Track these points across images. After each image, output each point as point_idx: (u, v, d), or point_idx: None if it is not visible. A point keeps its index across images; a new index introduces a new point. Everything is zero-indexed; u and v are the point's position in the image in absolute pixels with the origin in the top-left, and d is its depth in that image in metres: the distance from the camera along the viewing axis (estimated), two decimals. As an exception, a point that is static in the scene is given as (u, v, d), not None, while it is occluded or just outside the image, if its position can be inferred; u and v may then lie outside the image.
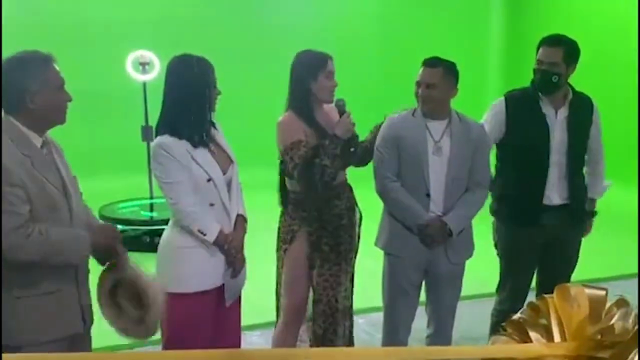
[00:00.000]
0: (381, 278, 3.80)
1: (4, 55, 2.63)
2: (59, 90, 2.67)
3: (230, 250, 3.16)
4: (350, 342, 3.84)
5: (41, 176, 2.59)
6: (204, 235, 3.08)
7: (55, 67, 2.67)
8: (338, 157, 3.42)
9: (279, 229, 3.69)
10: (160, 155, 3.05)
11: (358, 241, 3.79)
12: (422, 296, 3.81)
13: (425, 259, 3.63)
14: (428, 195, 3.54)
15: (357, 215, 3.77)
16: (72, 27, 9.30)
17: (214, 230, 3.09)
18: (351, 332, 3.85)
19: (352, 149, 3.54)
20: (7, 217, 2.48)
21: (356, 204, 3.76)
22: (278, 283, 3.75)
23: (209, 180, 3.08)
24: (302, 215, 3.56)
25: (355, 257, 3.79)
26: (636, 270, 5.84)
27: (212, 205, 3.12)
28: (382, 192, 3.64)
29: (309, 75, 3.49)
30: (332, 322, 3.65)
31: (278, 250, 3.70)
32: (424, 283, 3.77)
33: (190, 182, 3.06)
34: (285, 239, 3.62)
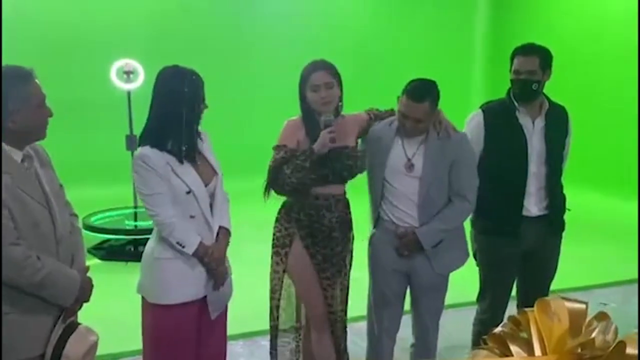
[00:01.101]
0: (367, 288, 3.81)
1: None
2: (39, 107, 2.63)
3: (211, 262, 3.15)
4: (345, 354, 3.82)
5: (22, 193, 2.57)
6: (183, 247, 3.07)
7: (36, 84, 2.62)
8: (306, 169, 3.41)
9: (274, 234, 3.66)
10: (140, 167, 3.04)
11: (351, 257, 3.79)
12: (407, 305, 3.82)
13: (406, 268, 3.64)
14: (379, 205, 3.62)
15: (352, 231, 3.76)
16: (56, 36, 9.28)
17: (193, 242, 3.08)
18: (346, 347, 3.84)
19: (329, 166, 3.48)
20: (5, 232, 2.48)
21: (351, 220, 3.74)
22: (276, 288, 3.68)
23: (188, 192, 3.07)
24: (294, 218, 3.57)
25: (349, 272, 3.79)
26: (618, 278, 5.91)
27: (192, 217, 3.11)
28: None
29: (302, 86, 3.52)
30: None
31: (276, 255, 3.64)
32: (408, 292, 3.78)
33: (169, 194, 3.05)
34: (284, 243, 3.59)
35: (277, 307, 3.71)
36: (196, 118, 3.12)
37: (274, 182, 3.49)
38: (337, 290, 3.63)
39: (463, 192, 3.59)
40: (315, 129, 3.45)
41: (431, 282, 3.67)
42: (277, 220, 3.67)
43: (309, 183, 3.46)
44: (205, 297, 3.21)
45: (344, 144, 3.53)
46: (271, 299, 3.70)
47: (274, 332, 3.75)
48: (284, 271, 3.63)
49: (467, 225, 4.01)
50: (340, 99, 3.57)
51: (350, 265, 3.80)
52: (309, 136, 3.49)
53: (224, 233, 3.26)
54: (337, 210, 3.61)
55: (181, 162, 3.07)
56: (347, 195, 3.72)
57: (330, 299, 3.60)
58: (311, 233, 3.56)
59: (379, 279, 3.71)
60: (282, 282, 3.66)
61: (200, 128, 3.21)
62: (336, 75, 3.52)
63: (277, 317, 3.73)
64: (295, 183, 3.43)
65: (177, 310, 3.12)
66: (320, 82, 3.46)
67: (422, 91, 3.42)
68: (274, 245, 3.65)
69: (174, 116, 3.05)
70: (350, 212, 3.73)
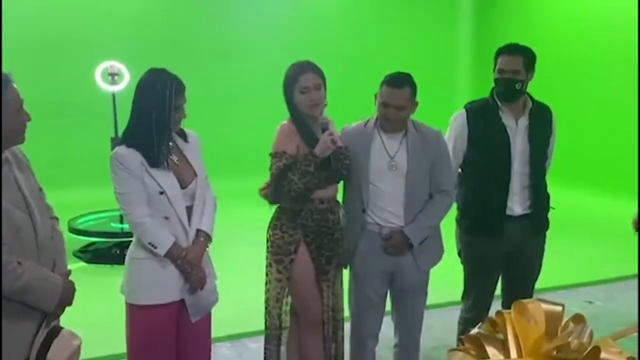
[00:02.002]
0: (347, 288, 3.82)
1: None
2: (17, 112, 2.60)
3: (183, 265, 3.13)
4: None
5: (1, 198, 2.55)
6: (155, 247, 3.06)
7: (14, 88, 2.59)
8: (311, 174, 3.39)
9: (273, 242, 3.58)
10: (115, 166, 3.05)
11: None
12: (389, 305, 3.82)
13: (392, 268, 3.64)
14: (364, 210, 3.58)
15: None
16: (41, 38, 9.24)
17: (166, 243, 3.07)
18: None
19: (333, 167, 3.47)
20: None
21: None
22: (279, 296, 3.62)
23: (161, 193, 3.06)
24: (301, 224, 3.52)
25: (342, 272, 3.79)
26: (603, 277, 5.94)
27: (167, 218, 3.10)
28: None
29: (289, 89, 3.49)
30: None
31: (278, 262, 3.55)
32: (389, 292, 3.78)
33: (144, 194, 3.05)
34: (288, 250, 3.52)
35: (280, 315, 3.65)
36: (169, 124, 3.09)
37: (279, 189, 3.44)
38: (336, 289, 3.65)
39: (444, 187, 3.63)
40: (310, 132, 3.44)
41: (415, 281, 3.68)
42: (275, 227, 3.59)
43: (313, 187, 3.45)
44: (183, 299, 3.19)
45: (338, 144, 3.53)
46: (273, 307, 3.62)
47: (276, 340, 3.69)
48: (288, 279, 3.56)
49: (452, 224, 4.03)
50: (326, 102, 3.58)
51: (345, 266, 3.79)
52: (304, 139, 3.47)
53: (202, 236, 3.23)
54: (337, 211, 3.62)
55: (152, 165, 3.06)
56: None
57: (326, 299, 3.60)
58: (318, 237, 3.53)
59: (363, 281, 3.70)
60: (286, 290, 3.61)
61: (186, 128, 3.22)
62: (323, 77, 3.50)
63: (280, 325, 3.67)
64: (302, 189, 3.40)
65: (153, 311, 3.11)
66: (310, 84, 3.43)
67: (402, 78, 3.48)
68: (275, 253, 3.56)
69: (147, 118, 3.05)
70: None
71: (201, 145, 3.36)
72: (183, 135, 3.27)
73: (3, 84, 2.56)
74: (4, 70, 2.60)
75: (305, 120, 3.48)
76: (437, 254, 3.75)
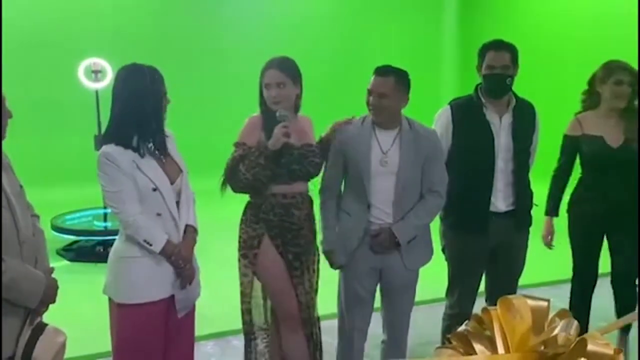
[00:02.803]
0: (337, 286, 3.82)
1: None
2: None
3: (178, 261, 3.13)
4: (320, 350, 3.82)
5: None
6: (150, 245, 3.06)
7: None
8: (260, 165, 3.39)
9: (240, 236, 3.62)
10: (105, 165, 3.04)
11: (318, 253, 3.78)
12: (377, 302, 3.83)
13: (380, 265, 3.65)
14: (369, 206, 3.58)
15: (315, 227, 3.76)
16: (23, 35, 9.17)
17: (160, 239, 3.08)
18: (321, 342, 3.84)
19: (283, 160, 3.46)
20: None
21: (314, 216, 3.75)
22: (246, 291, 3.65)
23: (154, 189, 3.06)
24: (263, 218, 3.54)
25: (317, 267, 3.78)
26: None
27: (159, 215, 3.10)
28: (320, 205, 3.74)
29: (260, 83, 3.54)
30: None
31: (244, 257, 3.59)
32: (378, 289, 3.79)
33: (135, 191, 3.04)
34: (252, 245, 3.55)
35: (249, 309, 3.68)
36: (157, 113, 3.12)
37: (230, 179, 3.49)
38: (306, 287, 3.63)
39: (436, 188, 3.65)
40: (272, 125, 3.44)
41: (403, 279, 3.69)
42: (242, 222, 3.64)
43: (264, 180, 3.44)
44: (172, 295, 3.19)
45: (306, 142, 3.56)
46: (242, 302, 3.66)
47: (249, 335, 3.72)
48: (254, 273, 3.60)
49: (436, 220, 4.04)
50: (299, 97, 3.59)
51: (319, 261, 3.79)
52: (265, 132, 3.48)
53: (190, 231, 3.25)
54: (304, 207, 3.62)
55: (149, 155, 3.08)
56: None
57: (301, 297, 3.61)
58: (281, 232, 3.55)
59: (352, 278, 3.71)
60: (253, 284, 3.63)
61: (165, 127, 3.22)
62: (291, 74, 3.51)
63: (251, 320, 3.70)
64: (250, 180, 3.42)
65: (144, 309, 3.11)
66: (271, 80, 3.47)
67: (388, 68, 3.53)
68: (241, 248, 3.61)
69: (133, 112, 3.05)
70: (313, 208, 3.73)
71: (175, 144, 3.36)
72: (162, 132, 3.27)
73: None
74: None
75: (271, 115, 3.48)
76: (426, 254, 3.77)
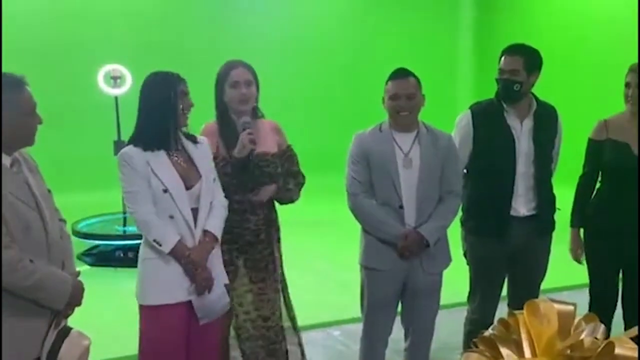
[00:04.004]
0: (359, 291, 3.80)
1: None
2: (29, 115, 2.65)
3: (188, 264, 3.12)
4: None
5: (13, 197, 2.57)
6: (160, 245, 3.07)
7: (28, 92, 2.63)
8: (228, 175, 3.39)
9: None
10: (121, 165, 3.12)
11: (281, 257, 3.73)
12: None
13: (402, 271, 3.63)
14: (401, 207, 3.56)
15: (278, 232, 3.71)
16: (43, 42, 9.24)
17: (170, 240, 3.08)
18: (287, 352, 3.71)
19: (250, 170, 3.43)
20: None
21: (276, 220, 3.70)
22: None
23: (165, 191, 3.08)
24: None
25: (281, 274, 3.71)
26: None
27: (171, 217, 3.11)
28: (355, 209, 3.66)
29: (218, 86, 3.53)
30: (263, 343, 3.56)
31: None
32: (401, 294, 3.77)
33: (149, 192, 3.08)
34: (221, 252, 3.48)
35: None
36: (173, 118, 3.14)
37: None
38: (269, 294, 3.56)
39: (454, 188, 3.67)
40: (231, 130, 3.44)
41: (426, 283, 3.68)
42: None
43: (232, 189, 3.43)
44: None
45: (263, 149, 3.50)
46: None
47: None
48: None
49: (457, 225, 4.02)
50: (257, 100, 3.57)
51: (282, 266, 3.73)
52: (223, 138, 3.47)
53: (208, 237, 3.22)
54: (261, 212, 3.56)
55: (167, 157, 3.12)
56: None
57: (245, 306, 3.53)
58: (233, 239, 3.49)
59: (376, 283, 3.69)
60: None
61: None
62: (255, 74, 3.53)
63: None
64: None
65: (161, 312, 3.13)
66: (240, 78, 3.47)
67: (405, 70, 3.57)
68: None
69: (150, 116, 3.13)
70: (276, 212, 3.70)
71: (210, 153, 3.37)
72: (193, 139, 3.30)
73: (17, 86, 2.61)
74: (13, 72, 2.64)
75: (229, 120, 3.49)
76: (446, 258, 3.75)
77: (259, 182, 3.49)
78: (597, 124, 4.04)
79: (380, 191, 3.59)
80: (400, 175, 3.54)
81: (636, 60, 3.94)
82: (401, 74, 3.55)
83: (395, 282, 3.67)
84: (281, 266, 3.74)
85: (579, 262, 4.15)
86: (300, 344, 3.82)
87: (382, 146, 3.57)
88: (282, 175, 3.61)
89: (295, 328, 3.81)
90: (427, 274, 3.64)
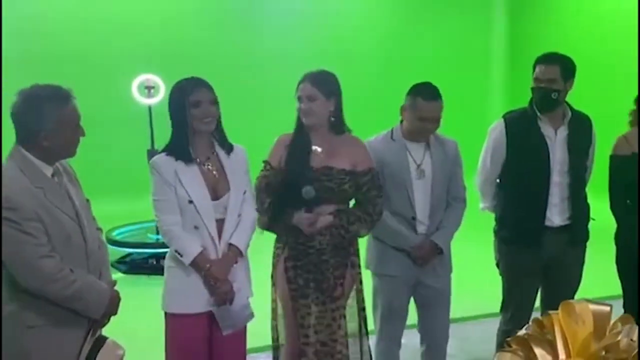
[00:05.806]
0: (371, 299, 3.81)
1: (20, 85, 2.64)
2: (74, 128, 2.70)
3: (208, 277, 3.11)
4: None
5: (54, 207, 2.62)
6: (181, 256, 3.08)
7: (74, 105, 2.69)
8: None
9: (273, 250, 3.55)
10: (152, 173, 3.15)
11: (360, 283, 3.54)
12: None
13: (414, 275, 3.68)
14: (414, 218, 3.61)
15: (354, 256, 3.50)
16: (77, 52, 9.37)
17: (191, 252, 3.07)
18: None
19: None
20: (33, 249, 2.53)
21: (351, 244, 3.47)
22: (272, 306, 3.52)
23: (190, 202, 3.08)
24: (279, 239, 3.48)
25: (345, 300, 3.47)
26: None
27: (196, 228, 3.11)
28: None
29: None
30: None
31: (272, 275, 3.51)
32: (412, 301, 3.82)
33: (175, 202, 3.09)
34: (273, 263, 3.49)
35: (275, 326, 3.52)
36: (196, 128, 3.13)
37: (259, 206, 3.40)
38: (327, 318, 3.37)
39: (460, 195, 3.76)
40: (300, 150, 3.38)
41: (438, 287, 3.74)
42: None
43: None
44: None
45: (327, 164, 3.35)
46: (272, 318, 3.53)
47: (276, 352, 3.56)
48: (275, 290, 3.50)
49: (490, 235, 4.00)
50: (333, 114, 3.40)
51: (349, 292, 3.50)
52: (289, 149, 3.40)
53: (232, 250, 3.19)
54: (328, 232, 3.37)
55: (196, 167, 3.12)
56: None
57: (305, 328, 3.36)
58: (296, 256, 3.38)
59: (388, 291, 3.74)
60: (276, 301, 3.49)
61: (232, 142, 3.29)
62: (324, 88, 3.35)
63: (277, 338, 3.53)
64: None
65: (183, 321, 3.15)
66: (302, 93, 3.37)
67: (434, 90, 3.58)
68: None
69: (174, 124, 3.16)
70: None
71: (247, 160, 3.35)
72: (228, 148, 3.28)
73: (64, 99, 2.66)
74: (52, 84, 2.69)
75: (303, 131, 3.42)
76: (449, 263, 3.82)
77: (317, 197, 3.30)
78: (618, 140, 4.01)
79: (394, 202, 3.62)
80: (414, 186, 3.58)
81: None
82: (431, 96, 3.54)
83: (408, 286, 3.72)
84: (360, 292, 3.54)
85: None
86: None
87: (396, 157, 3.60)
88: (350, 196, 3.45)
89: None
90: (438, 277, 3.71)
